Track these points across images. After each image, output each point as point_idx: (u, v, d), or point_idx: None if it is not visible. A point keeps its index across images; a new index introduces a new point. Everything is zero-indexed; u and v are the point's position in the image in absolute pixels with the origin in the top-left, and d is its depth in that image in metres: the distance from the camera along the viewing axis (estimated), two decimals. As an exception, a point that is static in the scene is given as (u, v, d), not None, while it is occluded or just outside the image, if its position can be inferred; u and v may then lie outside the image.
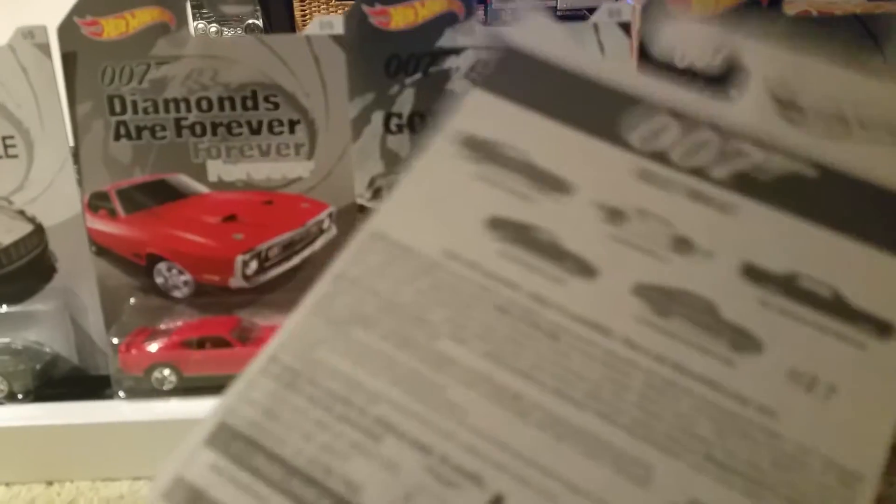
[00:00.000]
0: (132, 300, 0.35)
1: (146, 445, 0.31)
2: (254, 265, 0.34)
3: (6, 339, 0.35)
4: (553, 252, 0.15)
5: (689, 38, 0.17)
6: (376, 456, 0.13)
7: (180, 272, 0.34)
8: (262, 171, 0.33)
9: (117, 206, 0.34)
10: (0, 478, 0.33)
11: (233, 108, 0.33)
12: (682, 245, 0.15)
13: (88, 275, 0.35)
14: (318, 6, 0.91)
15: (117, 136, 0.33)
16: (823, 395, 0.14)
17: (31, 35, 0.32)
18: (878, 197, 0.15)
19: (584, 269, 0.15)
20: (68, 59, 0.32)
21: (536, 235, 0.15)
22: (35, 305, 0.35)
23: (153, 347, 0.33)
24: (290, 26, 0.88)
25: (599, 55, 0.32)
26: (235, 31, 0.79)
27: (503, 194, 0.16)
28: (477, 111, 0.17)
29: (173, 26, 0.32)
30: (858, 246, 0.15)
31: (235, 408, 0.14)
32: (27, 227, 0.34)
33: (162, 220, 0.34)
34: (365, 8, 0.31)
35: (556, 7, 0.84)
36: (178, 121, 0.33)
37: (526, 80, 0.17)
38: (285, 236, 0.34)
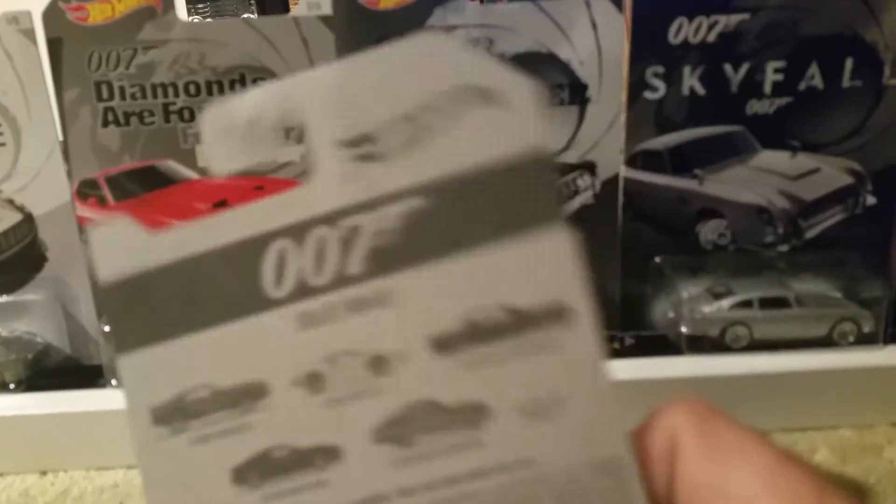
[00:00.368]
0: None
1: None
2: (245, 251, 0.33)
3: (-3, 330, 0.34)
4: (297, 460, 0.14)
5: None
6: None
7: (171, 259, 0.34)
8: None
9: (107, 193, 0.34)
10: (-7, 468, 0.32)
11: (221, 91, 0.32)
12: (378, 363, 0.14)
13: (79, 264, 0.34)
14: (313, -3, 0.90)
15: (105, 123, 0.33)
16: (556, 413, 0.14)
17: (15, 21, 0.31)
18: (479, 182, 0.14)
19: (329, 455, 0.14)
20: (54, 45, 0.32)
21: (276, 455, 0.15)
22: (26, 295, 0.34)
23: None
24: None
25: (591, 32, 0.31)
26: (229, 23, 0.78)
27: (221, 443, 0.15)
28: (139, 376, 0.15)
29: (160, 10, 0.32)
30: (496, 248, 0.14)
31: None
32: (16, 217, 0.34)
33: (152, 206, 0.34)
34: (353, -12, 0.31)
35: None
36: (166, 106, 0.32)
37: (152, 309, 0.15)
38: (277, 221, 0.33)
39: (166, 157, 0.33)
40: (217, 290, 0.15)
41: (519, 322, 0.14)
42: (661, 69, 0.31)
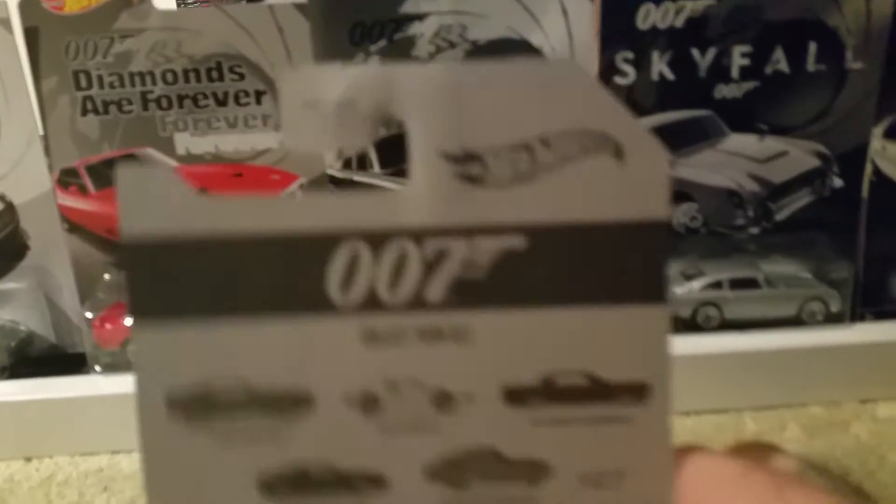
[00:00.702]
0: (106, 276, 0.35)
1: (124, 419, 0.31)
2: (225, 238, 0.34)
3: (-20, 319, 0.35)
4: (336, 481, 0.14)
5: (322, 91, 0.13)
6: None
7: (152, 246, 0.34)
8: (230, 142, 0.33)
9: (87, 182, 0.34)
10: (-22, 454, 0.33)
11: (198, 79, 0.32)
12: (443, 400, 0.14)
13: (61, 252, 0.35)
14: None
15: (84, 112, 0.33)
16: (615, 484, 0.14)
17: (-8, 11, 0.32)
18: (589, 239, 0.13)
19: (374, 482, 0.14)
20: (30, 35, 0.32)
21: (313, 473, 0.13)
22: (8, 284, 0.35)
23: (130, 321, 0.33)
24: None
25: (562, 18, 0.32)
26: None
27: (249, 448, 0.13)
28: (156, 355, 0.13)
29: (136, -1, 0.32)
30: (591, 312, 0.13)
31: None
32: (-3, 206, 0.34)
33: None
34: (328, -24, 0.31)
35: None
36: (144, 94, 0.33)
37: (186, 280, 0.13)
38: (256, 208, 0.34)
39: (145, 146, 0.33)
40: (270, 277, 0.13)
41: (597, 391, 0.14)
42: (630, 55, 0.31)
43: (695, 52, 0.31)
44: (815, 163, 0.33)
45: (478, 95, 0.13)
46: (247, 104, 0.33)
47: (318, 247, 0.13)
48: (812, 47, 0.31)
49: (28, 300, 0.35)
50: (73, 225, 0.34)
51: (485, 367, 0.13)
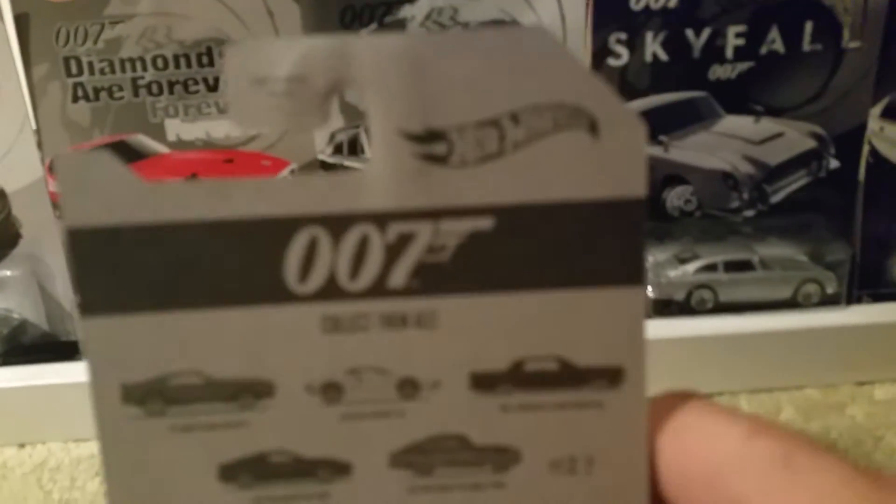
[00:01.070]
0: (99, 264, 0.35)
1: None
2: (217, 224, 0.34)
3: (-27, 307, 0.35)
4: (299, 469, 0.13)
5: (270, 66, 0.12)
6: None
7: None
8: (221, 128, 0.33)
9: (79, 169, 0.34)
10: (-28, 441, 0.33)
11: (188, 65, 0.32)
12: (408, 387, 0.13)
13: (54, 240, 0.34)
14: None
15: (75, 98, 0.33)
16: (586, 470, 0.13)
17: (-19, -3, 0.32)
18: (561, 219, 0.13)
19: (337, 469, 0.13)
20: (21, 21, 0.32)
21: (274, 461, 0.13)
22: (0, 272, 0.35)
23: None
24: None
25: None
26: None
27: (210, 438, 0.13)
28: (110, 346, 0.13)
29: (125, -16, 0.32)
30: (563, 295, 0.13)
31: None
32: (-11, 194, 0.34)
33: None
34: (318, -41, 0.31)
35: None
36: (134, 80, 0.33)
37: (136, 271, 0.13)
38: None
39: (136, 132, 0.33)
40: (225, 266, 0.13)
41: (569, 376, 0.13)
42: (623, 36, 0.31)
43: (689, 33, 0.31)
44: (811, 144, 0.33)
45: (440, 68, 0.12)
46: (238, 89, 0.33)
47: (275, 233, 0.13)
48: (808, 27, 0.31)
49: (20, 288, 0.35)
50: (66, 212, 0.34)
51: (451, 354, 0.13)
